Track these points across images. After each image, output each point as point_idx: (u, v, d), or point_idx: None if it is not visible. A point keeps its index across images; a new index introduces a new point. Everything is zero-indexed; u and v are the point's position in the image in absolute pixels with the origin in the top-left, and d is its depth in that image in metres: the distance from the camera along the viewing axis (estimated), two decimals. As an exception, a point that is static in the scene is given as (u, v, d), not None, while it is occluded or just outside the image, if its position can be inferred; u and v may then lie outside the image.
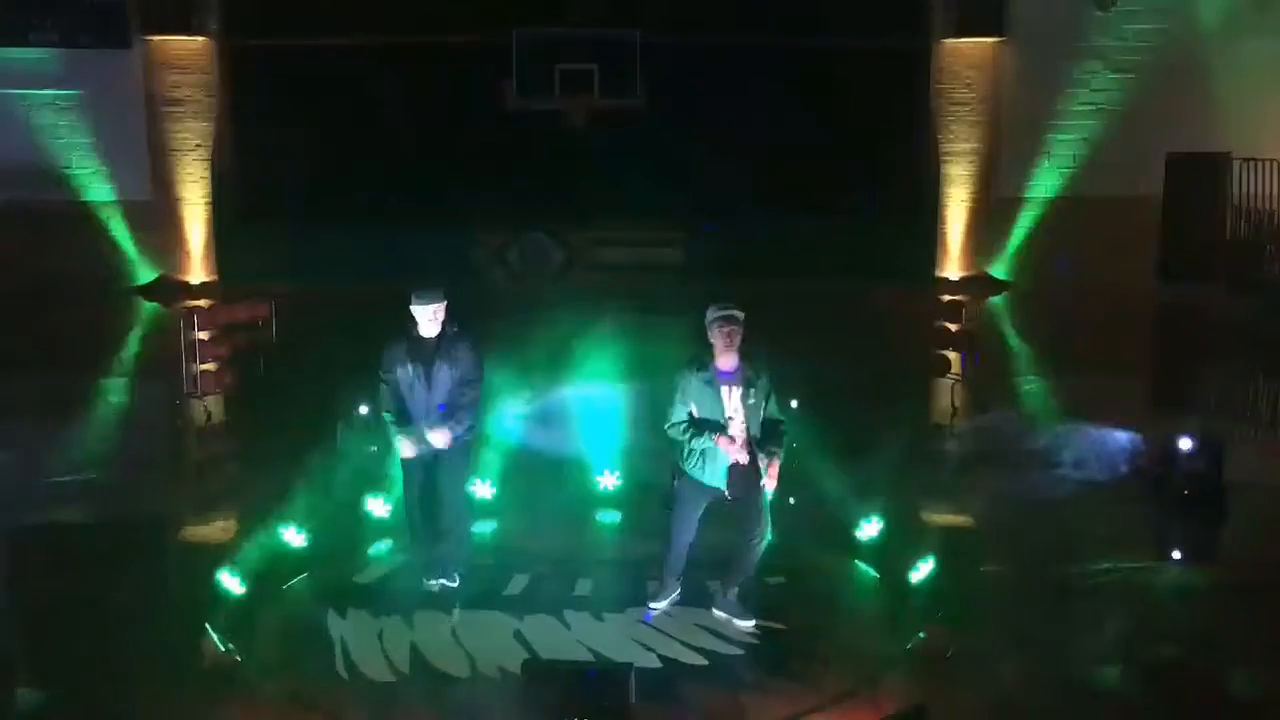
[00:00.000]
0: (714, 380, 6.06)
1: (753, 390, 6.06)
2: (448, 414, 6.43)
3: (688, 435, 6.08)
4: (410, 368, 6.41)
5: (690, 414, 6.08)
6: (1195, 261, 17.22)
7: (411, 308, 6.42)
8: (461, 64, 17.05)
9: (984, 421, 10.06)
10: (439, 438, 6.42)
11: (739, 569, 6.32)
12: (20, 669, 5.79)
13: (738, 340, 6.03)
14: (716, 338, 6.03)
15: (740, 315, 6.04)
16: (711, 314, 6.06)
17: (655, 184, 16.32)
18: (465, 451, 6.68)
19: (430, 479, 6.59)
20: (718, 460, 6.08)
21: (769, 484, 6.14)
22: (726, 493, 6.14)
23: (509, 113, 17.17)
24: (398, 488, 6.86)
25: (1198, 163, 17.25)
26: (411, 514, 6.73)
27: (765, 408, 6.13)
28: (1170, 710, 5.59)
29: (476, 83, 17.11)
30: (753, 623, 6.25)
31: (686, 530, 6.31)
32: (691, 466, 6.15)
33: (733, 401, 6.05)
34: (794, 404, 9.02)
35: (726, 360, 6.07)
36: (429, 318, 6.40)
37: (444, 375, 6.41)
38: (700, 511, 6.29)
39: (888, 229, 17.68)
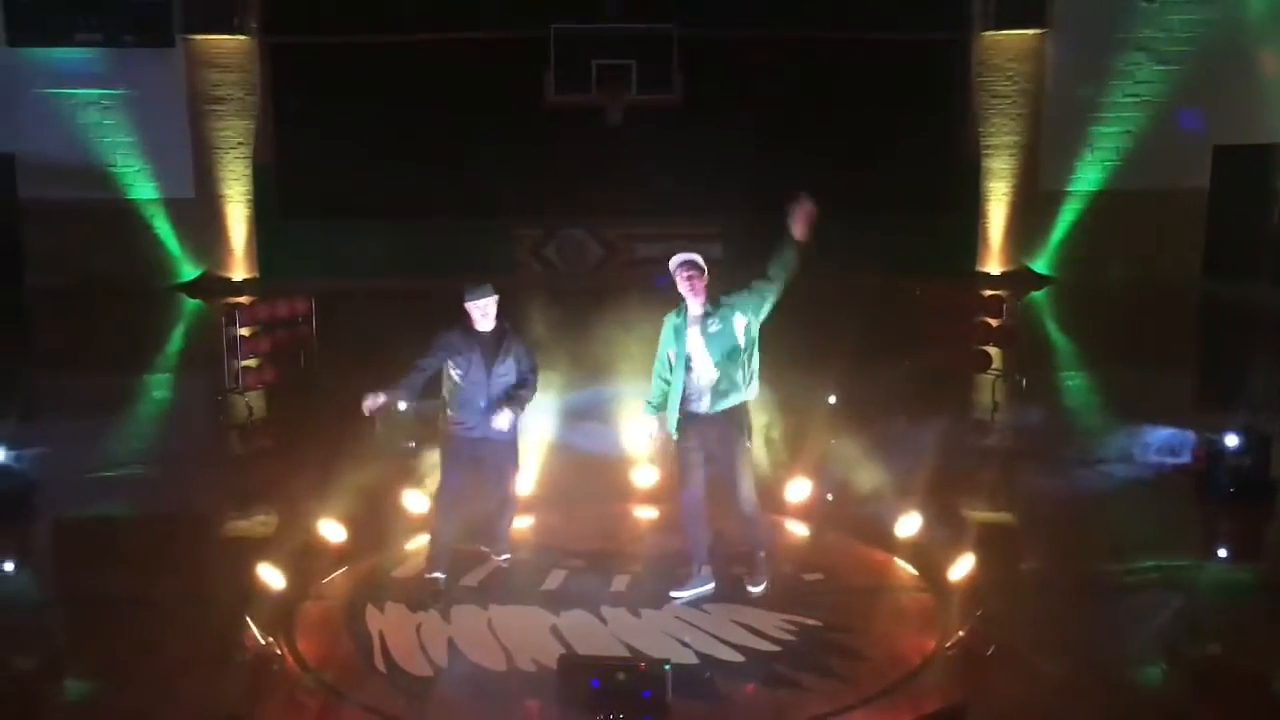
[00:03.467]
0: (684, 326, 6.30)
1: (710, 320, 6.22)
2: (511, 400, 6.59)
3: (655, 385, 6.44)
4: (471, 358, 6.51)
5: (667, 361, 6.37)
6: (1242, 255, 16.97)
7: (465, 304, 6.55)
8: (499, 60, 17.10)
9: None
10: (503, 419, 6.55)
11: (750, 541, 6.50)
12: (66, 661, 5.87)
13: (700, 285, 6.23)
14: (681, 284, 6.26)
15: (697, 259, 6.27)
16: (673, 262, 6.30)
17: (693, 179, 16.31)
18: (515, 443, 6.80)
19: (471, 477, 6.70)
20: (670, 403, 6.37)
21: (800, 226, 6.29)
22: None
23: (547, 108, 17.20)
24: (443, 477, 6.76)
25: (1244, 155, 16.99)
26: (448, 509, 6.71)
27: (745, 307, 6.22)
28: (1214, 710, 5.50)
29: (514, 79, 17.16)
30: (761, 588, 6.43)
31: (690, 487, 6.40)
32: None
33: (693, 343, 6.26)
34: (831, 400, 9.04)
35: (694, 307, 6.29)
36: (482, 313, 6.52)
37: (504, 369, 6.56)
38: (698, 469, 6.39)
39: (928, 223, 17.58)
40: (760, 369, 6.38)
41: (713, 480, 6.48)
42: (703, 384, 6.28)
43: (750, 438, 6.45)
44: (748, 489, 6.42)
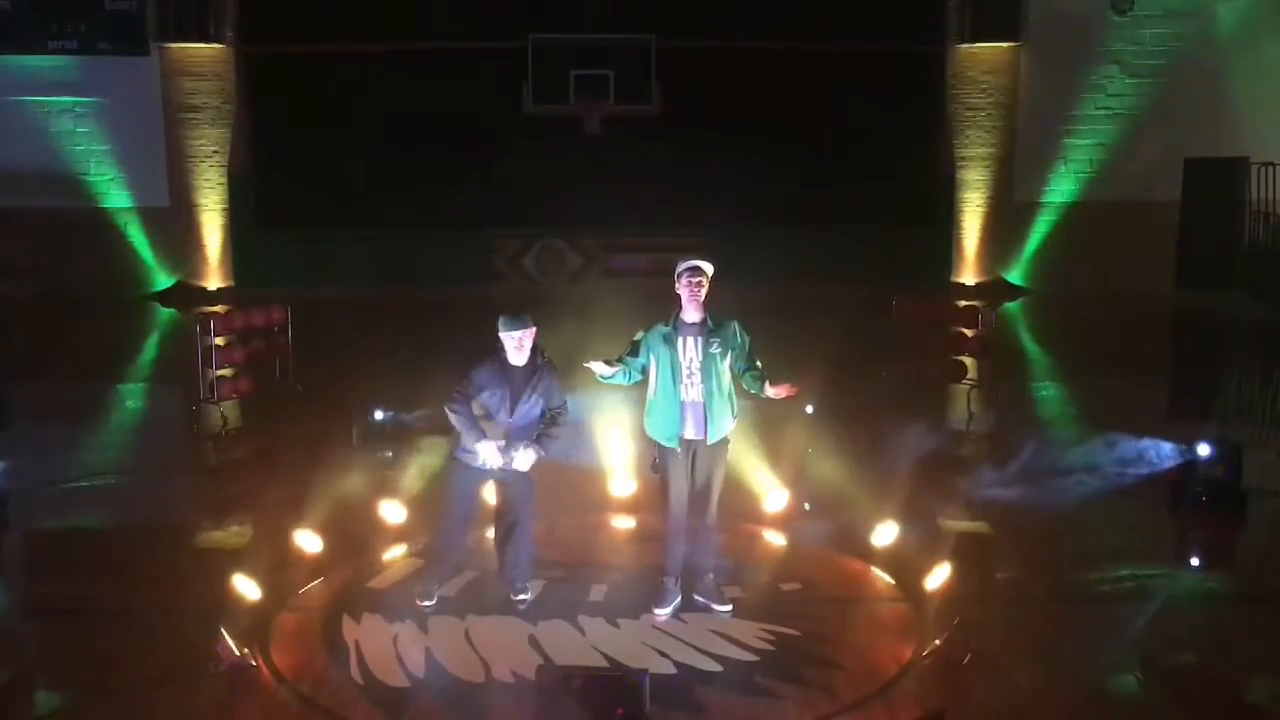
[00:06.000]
0: (674, 334, 6.14)
1: (715, 341, 6.11)
2: (540, 439, 6.39)
3: (615, 363, 6.23)
4: (501, 394, 6.28)
5: (631, 354, 6.21)
6: (1213, 266, 17.16)
7: (500, 334, 6.26)
8: (477, 70, 17.11)
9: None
10: (523, 459, 6.36)
11: (701, 555, 6.44)
12: (39, 674, 5.81)
13: (703, 293, 6.09)
14: (682, 289, 6.11)
15: (706, 267, 6.10)
16: (679, 266, 6.13)
17: (671, 189, 16.37)
18: (529, 475, 6.54)
19: (476, 502, 6.61)
20: (657, 414, 6.23)
21: (780, 392, 6.16)
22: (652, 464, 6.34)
23: (525, 118, 17.22)
24: (448, 503, 6.56)
25: (1215, 167, 17.19)
26: (452, 533, 6.57)
27: (735, 356, 6.16)
28: (1189, 718, 5.54)
29: (493, 88, 17.17)
30: (729, 608, 6.37)
31: (677, 505, 6.32)
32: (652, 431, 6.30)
33: (687, 353, 6.13)
34: (809, 409, 9.07)
35: (691, 314, 6.14)
36: (515, 345, 6.24)
37: (529, 405, 6.31)
38: (683, 484, 6.30)
39: (904, 234, 17.68)
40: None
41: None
42: (692, 401, 6.15)
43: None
44: (715, 510, 6.41)
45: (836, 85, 17.17)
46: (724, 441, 6.33)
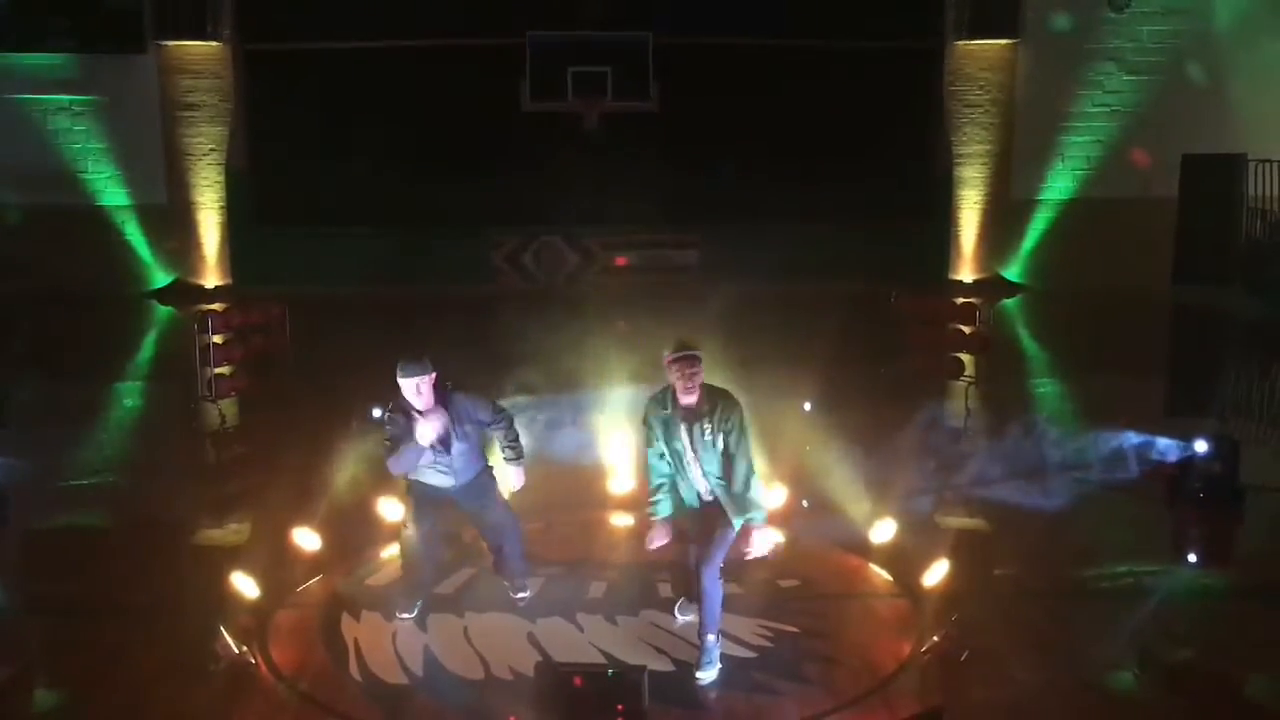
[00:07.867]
0: (674, 419, 5.79)
1: (708, 425, 5.74)
2: (510, 458, 6.40)
3: (654, 487, 5.95)
4: (419, 441, 6.03)
5: (662, 459, 5.88)
6: (1210, 262, 17.18)
7: (399, 381, 5.99)
8: (475, 67, 17.10)
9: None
10: (516, 479, 6.47)
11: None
12: (38, 671, 5.82)
13: (698, 379, 5.73)
14: (675, 379, 5.73)
15: (698, 353, 5.73)
16: (667, 355, 5.74)
17: (669, 186, 16.36)
18: (485, 477, 6.45)
19: (443, 517, 6.49)
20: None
21: (751, 551, 5.86)
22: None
23: (523, 115, 17.20)
24: (411, 525, 6.38)
25: (1213, 164, 17.21)
26: (419, 557, 6.41)
27: (728, 445, 5.76)
28: (1186, 714, 5.56)
29: (490, 86, 17.15)
30: (713, 672, 5.78)
31: (681, 556, 6.15)
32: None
33: (686, 439, 5.79)
34: (807, 406, 9.08)
35: (687, 397, 5.76)
36: (415, 391, 5.96)
37: (461, 435, 6.15)
38: (682, 545, 6.10)
39: (902, 231, 17.68)
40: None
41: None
42: (700, 488, 5.86)
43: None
44: (716, 564, 5.86)
45: (834, 82, 17.16)
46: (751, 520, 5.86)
